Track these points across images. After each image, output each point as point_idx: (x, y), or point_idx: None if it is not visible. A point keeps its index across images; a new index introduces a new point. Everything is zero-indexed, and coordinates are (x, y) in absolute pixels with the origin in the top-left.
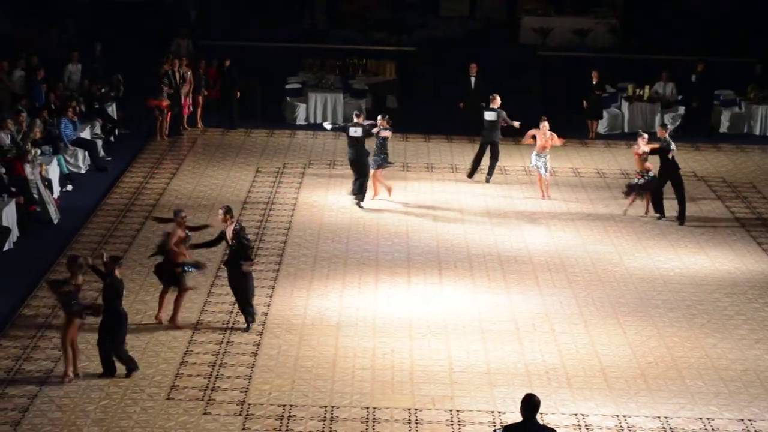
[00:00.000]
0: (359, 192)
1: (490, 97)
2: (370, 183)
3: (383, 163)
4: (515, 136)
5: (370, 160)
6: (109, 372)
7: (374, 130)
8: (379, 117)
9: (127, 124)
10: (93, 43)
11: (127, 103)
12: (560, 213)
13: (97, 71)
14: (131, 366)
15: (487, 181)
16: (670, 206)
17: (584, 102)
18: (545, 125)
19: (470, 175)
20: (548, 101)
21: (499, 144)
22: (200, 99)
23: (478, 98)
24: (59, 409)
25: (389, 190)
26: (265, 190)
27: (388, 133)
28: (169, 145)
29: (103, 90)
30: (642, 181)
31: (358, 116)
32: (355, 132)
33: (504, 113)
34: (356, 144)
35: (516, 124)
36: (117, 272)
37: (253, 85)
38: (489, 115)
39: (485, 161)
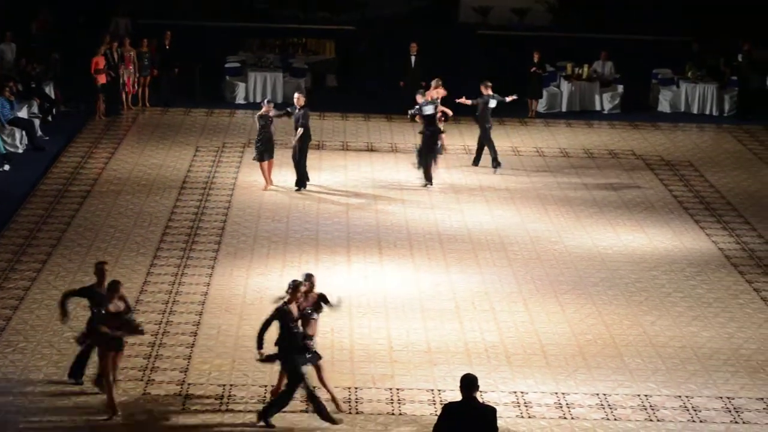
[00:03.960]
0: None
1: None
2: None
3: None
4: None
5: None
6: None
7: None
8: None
9: (68, 103)
10: (29, 23)
11: (65, 83)
12: (499, 191)
13: (33, 50)
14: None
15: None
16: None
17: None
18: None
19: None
20: (487, 80)
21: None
22: (144, 79)
23: (418, 77)
24: (1, 396)
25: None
26: (204, 169)
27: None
28: (108, 124)
29: (38, 69)
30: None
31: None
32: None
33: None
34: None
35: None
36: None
37: (192, 64)
38: (492, 103)
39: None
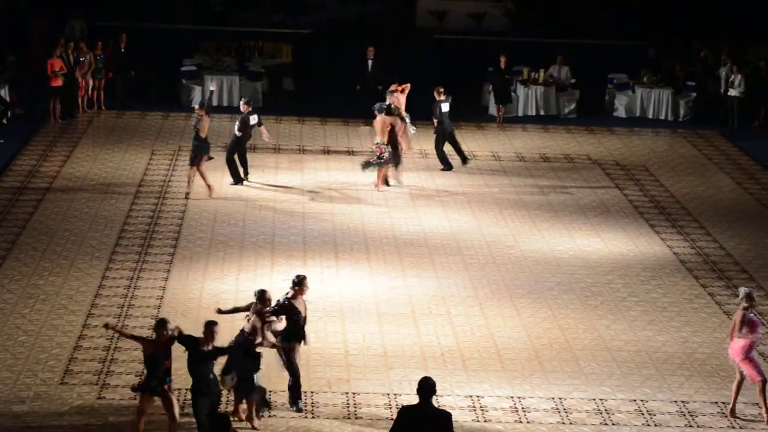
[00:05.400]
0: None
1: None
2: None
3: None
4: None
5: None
6: None
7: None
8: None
9: (23, 105)
10: None
11: (21, 85)
12: (456, 196)
13: None
14: None
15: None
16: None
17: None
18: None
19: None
20: (444, 85)
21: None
22: (100, 82)
23: (374, 81)
24: None
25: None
26: (160, 172)
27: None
28: (63, 127)
29: None
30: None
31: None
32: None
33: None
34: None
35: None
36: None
37: (148, 67)
38: (445, 107)
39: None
